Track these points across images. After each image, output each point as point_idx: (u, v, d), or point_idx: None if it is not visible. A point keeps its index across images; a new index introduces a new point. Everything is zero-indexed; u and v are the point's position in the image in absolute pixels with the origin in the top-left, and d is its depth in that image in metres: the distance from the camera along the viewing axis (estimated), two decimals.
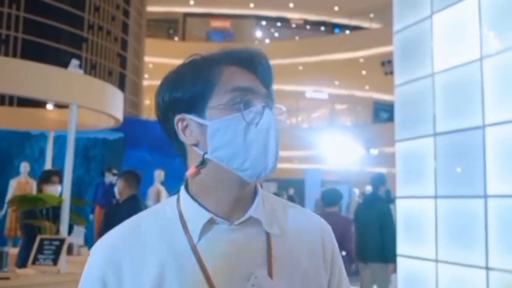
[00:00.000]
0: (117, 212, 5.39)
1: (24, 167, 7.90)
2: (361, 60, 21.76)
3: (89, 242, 5.51)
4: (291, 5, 23.61)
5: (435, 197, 4.10)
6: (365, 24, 24.09)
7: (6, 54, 14.02)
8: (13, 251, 4.38)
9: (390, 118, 17.47)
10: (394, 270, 4.67)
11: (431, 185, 4.14)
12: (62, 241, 3.93)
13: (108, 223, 5.69)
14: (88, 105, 4.86)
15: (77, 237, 4.79)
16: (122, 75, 18.67)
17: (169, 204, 0.91)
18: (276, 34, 27.13)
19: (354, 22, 24.30)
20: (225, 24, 26.43)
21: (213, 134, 0.85)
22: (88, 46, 16.89)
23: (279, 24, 26.85)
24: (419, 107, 4.39)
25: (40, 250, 3.89)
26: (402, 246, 4.49)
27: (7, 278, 3.55)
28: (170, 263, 0.83)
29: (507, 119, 3.50)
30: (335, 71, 22.21)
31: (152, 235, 0.87)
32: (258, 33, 27.23)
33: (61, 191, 4.48)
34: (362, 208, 5.36)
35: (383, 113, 24.25)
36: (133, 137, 9.74)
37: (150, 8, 23.05)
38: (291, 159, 23.34)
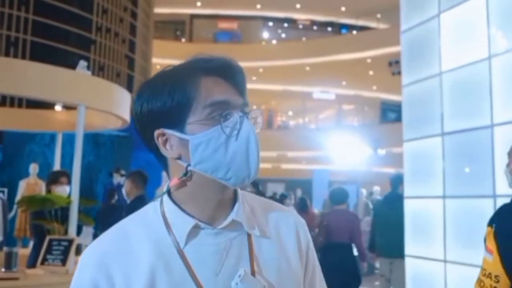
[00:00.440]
0: (115, 213, 5.44)
1: (33, 168, 7.95)
2: (368, 61, 21.69)
3: None
4: (298, 6, 23.58)
5: (444, 197, 4.08)
6: (372, 24, 24.03)
7: (15, 56, 14.13)
8: (22, 251, 4.41)
9: (398, 119, 17.41)
10: None
11: (439, 185, 4.12)
12: (70, 241, 3.96)
13: (100, 224, 5.71)
14: (96, 106, 4.87)
15: (86, 237, 4.81)
16: (130, 77, 18.77)
17: (152, 210, 0.94)
18: (283, 35, 27.13)
19: (361, 23, 24.24)
20: (232, 25, 26.46)
21: (195, 148, 0.87)
22: (96, 48, 16.99)
23: (286, 25, 26.85)
24: (427, 107, 4.38)
25: (49, 251, 3.92)
26: (410, 247, 4.47)
27: (16, 278, 3.58)
28: (160, 268, 0.86)
29: None
30: (342, 71, 22.16)
31: (140, 240, 0.89)
32: (265, 34, 27.25)
33: (70, 191, 4.50)
34: (383, 207, 5.48)
35: (391, 113, 24.15)
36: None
37: (158, 10, 23.14)
38: (299, 160, 23.33)
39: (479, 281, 1.78)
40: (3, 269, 3.78)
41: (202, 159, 0.87)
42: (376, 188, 12.78)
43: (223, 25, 26.45)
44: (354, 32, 24.40)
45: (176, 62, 0.95)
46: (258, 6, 24.22)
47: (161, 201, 0.94)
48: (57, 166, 6.32)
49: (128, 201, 4.29)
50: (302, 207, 8.31)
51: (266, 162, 23.57)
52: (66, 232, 4.27)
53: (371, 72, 22.83)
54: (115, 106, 5.11)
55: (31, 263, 4.14)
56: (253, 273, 0.89)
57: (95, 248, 0.91)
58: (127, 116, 5.43)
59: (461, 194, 3.93)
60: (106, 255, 0.88)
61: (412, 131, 4.57)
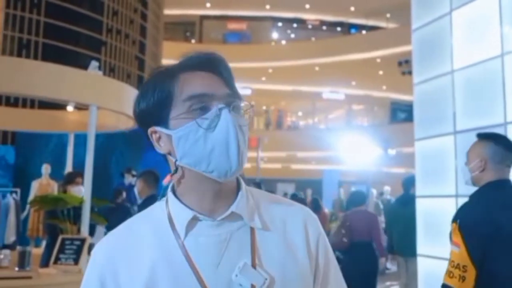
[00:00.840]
0: (118, 213, 5.49)
1: (46, 168, 8.00)
2: (378, 60, 21.60)
3: None
4: (307, 6, 23.55)
5: (456, 196, 4.04)
6: (381, 24, 23.92)
7: (27, 58, 14.26)
8: (35, 251, 4.45)
9: (408, 118, 17.31)
10: None
11: (451, 184, 4.09)
12: (83, 240, 3.99)
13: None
14: (108, 106, 4.90)
15: (99, 237, 4.84)
16: (140, 78, 18.86)
17: (159, 207, 0.97)
18: (293, 35, 27.10)
19: (370, 22, 24.16)
20: (242, 26, 26.49)
21: (177, 143, 0.90)
22: (106, 49, 17.11)
23: (295, 25, 26.82)
24: (438, 105, 4.34)
25: (61, 250, 3.95)
26: (422, 246, 4.44)
27: (29, 277, 3.61)
28: (162, 261, 0.89)
29: None
30: (351, 71, 22.09)
31: (145, 236, 0.92)
32: (275, 35, 27.24)
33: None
34: (397, 208, 5.75)
35: (401, 113, 24.03)
36: None
37: (167, 11, 23.25)
38: (309, 160, 23.28)
39: (449, 272, 1.93)
40: (16, 268, 3.81)
41: (184, 153, 0.90)
42: (387, 188, 12.72)
43: (233, 26, 26.49)
44: (364, 32, 24.33)
45: None
46: (267, 6, 24.22)
47: (167, 197, 0.97)
48: (69, 167, 6.36)
49: (140, 201, 4.31)
50: (315, 207, 8.35)
51: (276, 162, 23.56)
52: (78, 232, 4.30)
53: (380, 72, 22.74)
54: (126, 106, 5.13)
55: (44, 262, 4.18)
56: (254, 266, 0.89)
57: (103, 245, 0.95)
58: None
59: None
60: (113, 252, 0.92)
61: (424, 130, 4.54)
